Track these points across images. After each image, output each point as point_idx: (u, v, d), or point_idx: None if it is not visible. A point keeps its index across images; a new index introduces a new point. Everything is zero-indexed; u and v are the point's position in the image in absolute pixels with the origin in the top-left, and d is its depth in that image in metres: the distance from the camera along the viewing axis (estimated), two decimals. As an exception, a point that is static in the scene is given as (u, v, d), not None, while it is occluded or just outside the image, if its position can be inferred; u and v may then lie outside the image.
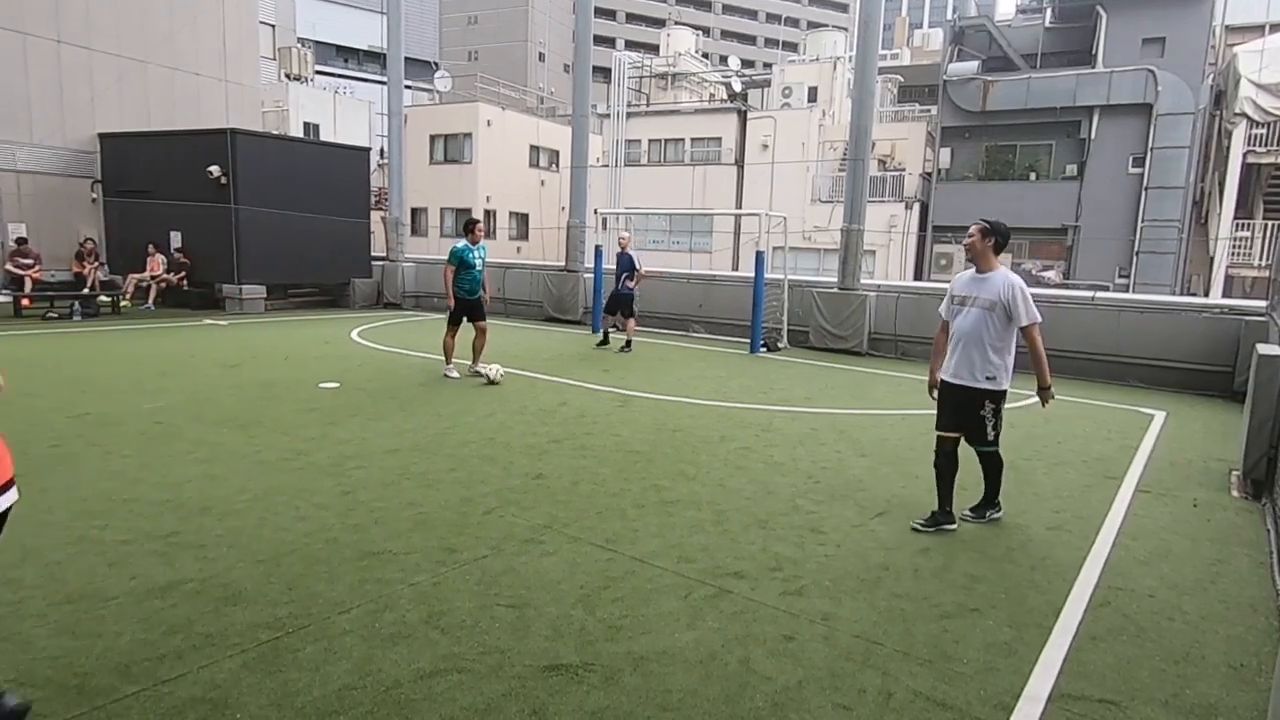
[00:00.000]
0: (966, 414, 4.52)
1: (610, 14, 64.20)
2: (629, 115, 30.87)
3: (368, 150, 20.09)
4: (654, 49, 42.58)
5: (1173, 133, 22.23)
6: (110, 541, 3.94)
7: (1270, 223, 21.40)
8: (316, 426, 6.43)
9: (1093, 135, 23.48)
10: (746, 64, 48.79)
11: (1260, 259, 21.53)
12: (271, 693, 2.72)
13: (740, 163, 28.89)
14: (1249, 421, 5.63)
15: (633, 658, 3.05)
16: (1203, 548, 4.51)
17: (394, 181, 18.41)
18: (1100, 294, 11.61)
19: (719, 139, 29.40)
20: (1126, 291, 20.59)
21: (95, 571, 3.60)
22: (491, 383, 8.63)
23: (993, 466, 4.68)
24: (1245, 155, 21.66)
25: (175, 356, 9.90)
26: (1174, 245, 22.48)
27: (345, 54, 55.29)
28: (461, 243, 9.00)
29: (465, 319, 9.14)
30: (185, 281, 15.60)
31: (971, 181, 25.24)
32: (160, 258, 15.64)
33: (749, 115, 29.44)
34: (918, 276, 25.09)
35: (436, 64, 44.52)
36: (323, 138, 29.47)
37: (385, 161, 24.47)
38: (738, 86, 33.15)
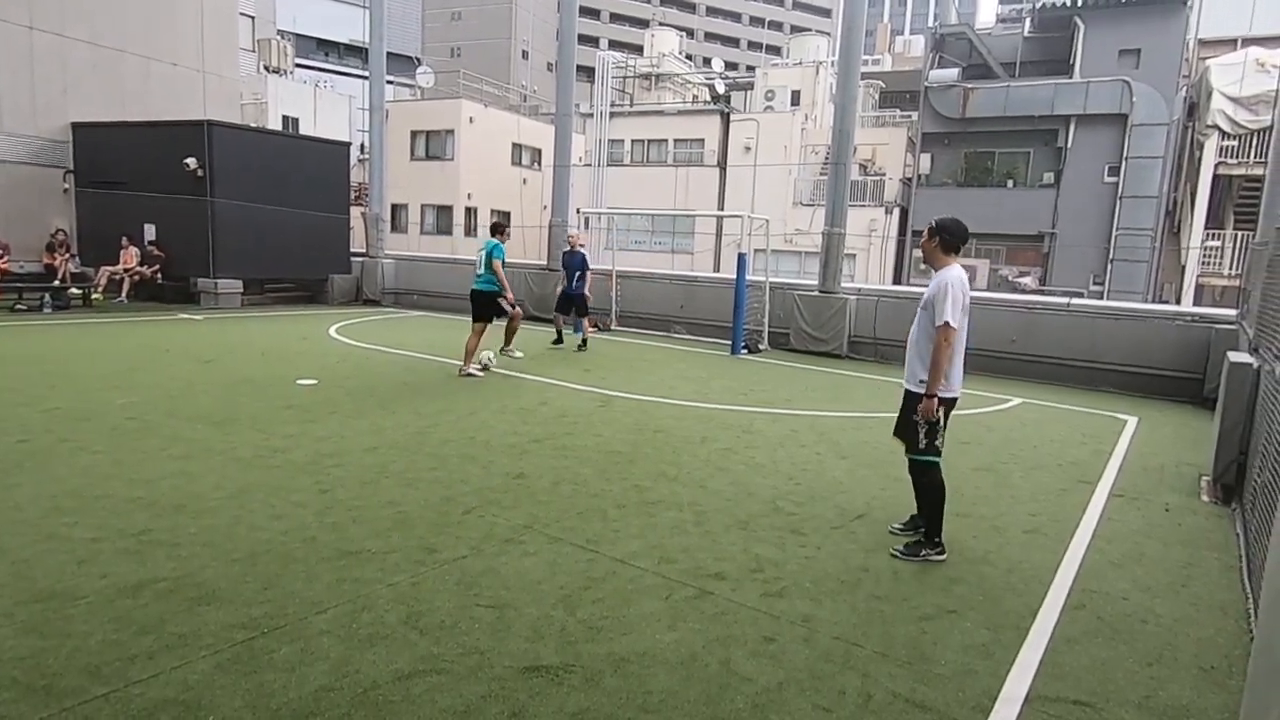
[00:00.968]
0: (905, 419, 4.22)
1: (594, 13, 64.14)
2: (612, 115, 30.85)
3: (348, 145, 19.89)
4: (638, 49, 42.57)
5: (1147, 143, 22.62)
6: (80, 539, 3.86)
7: (1240, 233, 21.83)
8: (294, 424, 6.35)
9: (1069, 144, 23.83)
10: (730, 66, 48.96)
11: (1230, 268, 21.95)
12: (246, 694, 2.67)
13: (723, 165, 28.98)
14: (1219, 427, 5.73)
15: (613, 659, 3.04)
16: (1174, 551, 4.58)
17: (375, 177, 18.25)
18: (1075, 300, 11.77)
19: (702, 140, 29.47)
20: (1101, 299, 20.91)
21: (64, 570, 3.52)
22: (485, 368, 9.24)
23: (923, 486, 4.23)
24: (1217, 166, 22.07)
25: (148, 351, 9.73)
26: (1147, 253, 22.88)
27: (326, 47, 54.70)
28: (493, 240, 9.19)
29: (492, 317, 9.21)
30: (159, 275, 15.34)
31: (951, 187, 25.50)
32: (134, 250, 15.36)
33: (732, 117, 29.54)
34: (897, 280, 25.34)
35: (419, 59, 44.20)
36: (302, 131, 29.14)
37: (366, 157, 24.25)
38: (721, 89, 33.22)
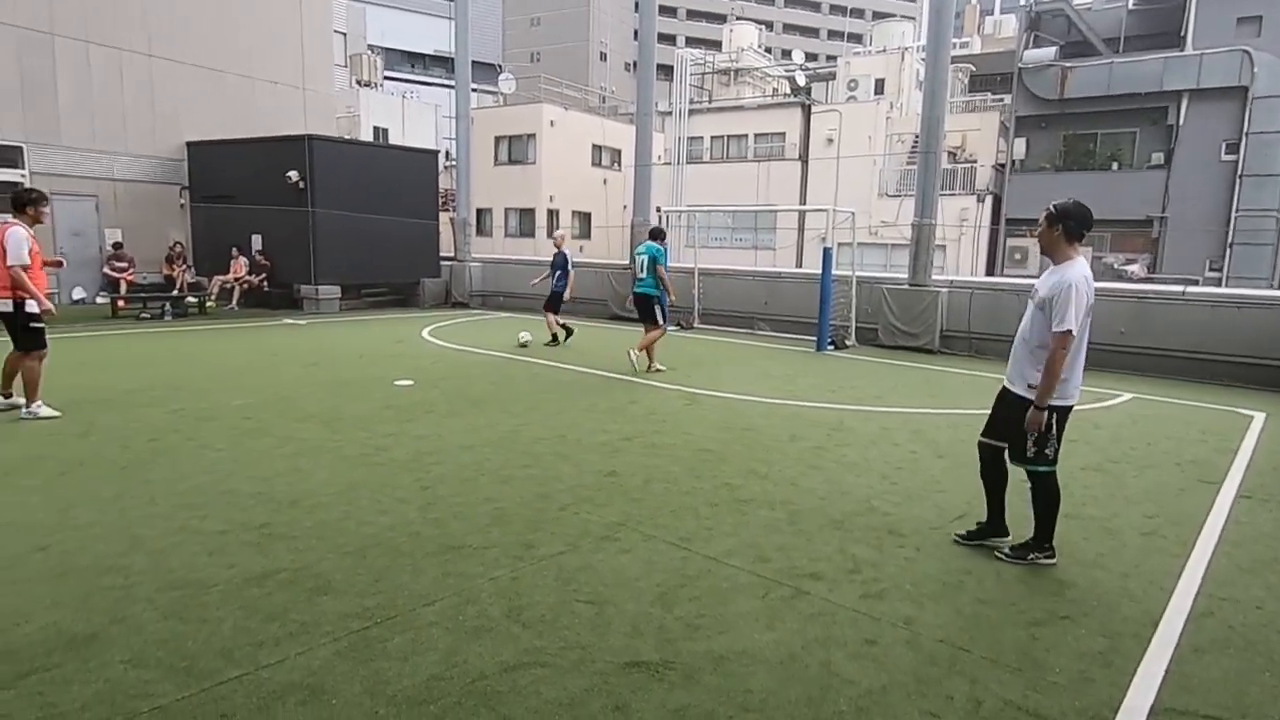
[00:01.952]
0: (1010, 424, 3.92)
1: (671, 11, 64.11)
2: (691, 112, 30.79)
3: (436, 153, 20.59)
4: (716, 45, 42.33)
5: (1271, 117, 20.97)
6: (209, 532, 4.14)
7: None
8: (394, 423, 6.62)
9: (1181, 121, 22.34)
10: (810, 57, 48.03)
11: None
12: (364, 680, 2.81)
13: (804, 158, 28.51)
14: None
15: (712, 657, 3.04)
16: (1314, 558, 4.24)
17: (461, 183, 18.80)
18: (1191, 288, 11.02)
19: (782, 134, 29.07)
20: (1219, 285, 19.50)
21: (197, 560, 3.78)
22: (522, 345, 10.19)
23: (1039, 495, 3.96)
24: (1352, 139, 20.27)
25: (258, 355, 10.33)
26: (1272, 236, 21.20)
27: (412, 59, 56.71)
28: (654, 244, 9.67)
29: (654, 317, 9.55)
30: (266, 283, 16.26)
31: (1048, 172, 24.32)
32: (243, 260, 16.33)
33: (813, 109, 29.02)
34: (990, 271, 24.32)
35: (500, 66, 45.27)
36: (392, 141, 30.33)
37: (452, 163, 25.03)
38: (801, 80, 32.67)
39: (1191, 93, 21.97)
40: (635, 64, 20.16)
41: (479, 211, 29.90)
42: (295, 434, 6.19)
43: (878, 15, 60.77)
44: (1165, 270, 22.03)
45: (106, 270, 15.84)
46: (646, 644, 3.12)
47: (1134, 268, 22.82)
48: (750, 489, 5.13)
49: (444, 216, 20.49)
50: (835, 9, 69.69)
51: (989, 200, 25.29)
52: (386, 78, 39.85)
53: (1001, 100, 27.52)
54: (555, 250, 12.30)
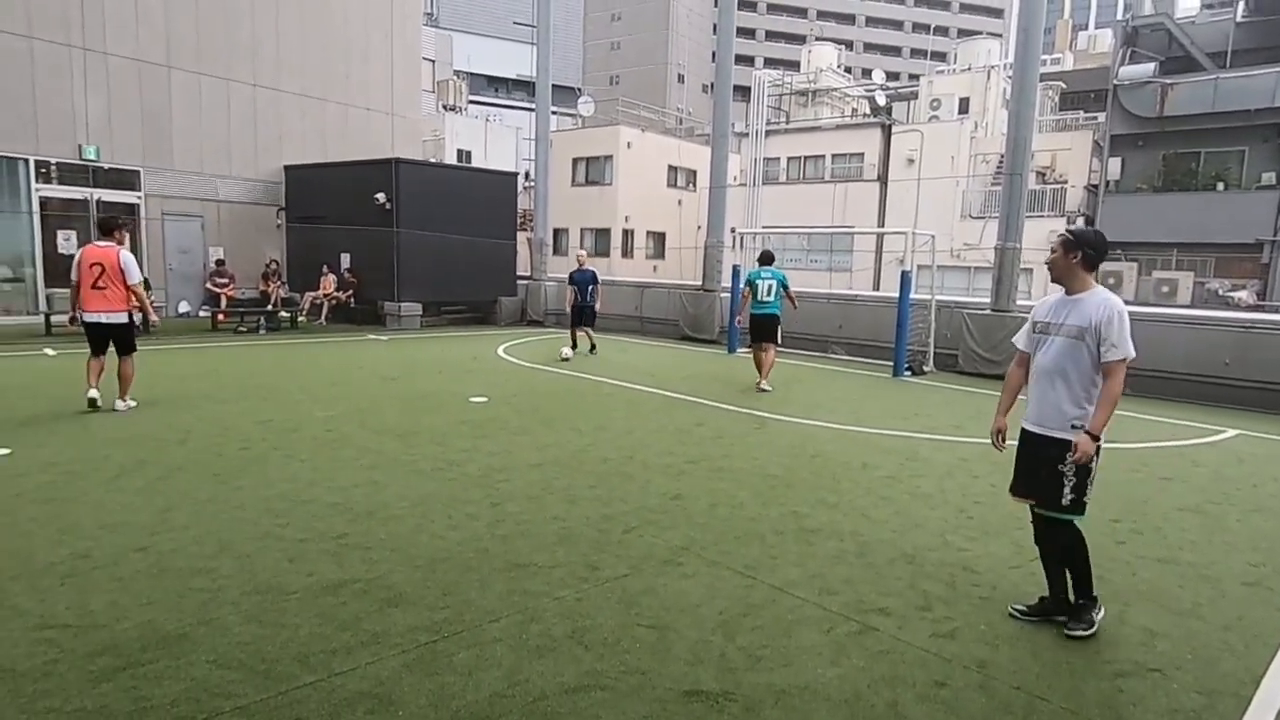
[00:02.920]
0: (1041, 468, 3.62)
1: (750, 33, 64.34)
2: (768, 133, 30.70)
3: (515, 174, 21.16)
4: (794, 66, 42.14)
5: (1399, 133, 19.43)
6: (291, 539, 4.33)
7: None
8: (468, 439, 6.79)
9: (1296, 139, 20.94)
10: (892, 76, 47.30)
11: None
12: (430, 694, 2.88)
13: (883, 178, 27.99)
14: None
15: (774, 690, 2.99)
16: None
17: (540, 204, 19.24)
18: (1306, 318, 10.27)
19: (861, 154, 28.64)
20: (1338, 314, 18.09)
21: (278, 566, 3.96)
22: (564, 360, 10.73)
23: (1068, 547, 3.61)
24: None
25: (343, 369, 10.78)
26: (1400, 262, 19.58)
27: (495, 83, 58.54)
28: (776, 270, 10.14)
29: (774, 337, 10.09)
30: (352, 299, 16.98)
31: (1146, 193, 23.17)
32: (331, 277, 17.11)
33: (894, 129, 28.51)
34: (1081, 296, 23.22)
35: (580, 89, 46.23)
36: (474, 163, 31.32)
37: (531, 184, 25.66)
38: (882, 100, 32.16)
39: (1307, 109, 20.60)
40: (713, 86, 20.28)
41: (556, 231, 30.43)
42: (373, 446, 6.42)
43: (963, 33, 59.43)
44: (1277, 298, 20.61)
45: (209, 285, 16.86)
46: (707, 673, 3.09)
47: (1241, 294, 21.41)
48: (818, 518, 5.04)
49: (521, 236, 21.01)
50: (919, 27, 68.54)
51: (1080, 222, 24.21)
52: (471, 102, 41.25)
53: (1095, 119, 26.43)
54: (578, 268, 13.02)
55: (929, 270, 13.80)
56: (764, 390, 9.81)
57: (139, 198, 16.69)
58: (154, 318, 7.79)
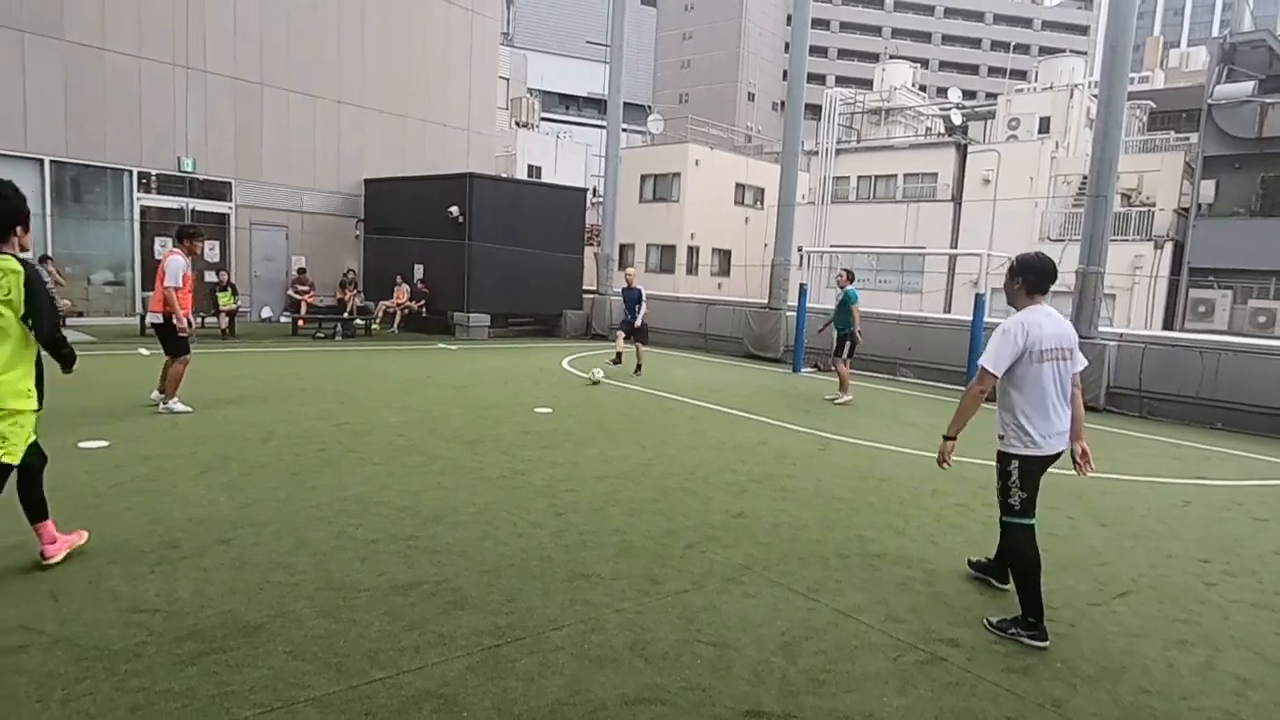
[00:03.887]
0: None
1: (822, 51, 63.95)
2: (838, 151, 30.39)
3: (584, 190, 21.48)
4: (867, 84, 41.67)
5: None
6: (363, 539, 4.47)
7: None
8: (533, 448, 6.90)
9: None
10: (968, 95, 46.24)
11: None
12: (493, 697, 2.93)
13: (958, 199, 27.34)
14: None
15: (837, 715, 2.93)
16: None
17: (607, 219, 19.47)
18: None
19: (934, 174, 28.05)
20: None
21: (351, 565, 4.10)
22: (595, 383, 10.83)
23: (1005, 549, 4.01)
24: None
25: (414, 376, 11.09)
26: None
27: (566, 101, 59.68)
28: (853, 288, 10.67)
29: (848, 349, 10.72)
30: (424, 309, 17.47)
31: (1242, 218, 22.01)
32: (405, 287, 17.66)
33: (969, 149, 27.84)
34: (1169, 325, 22.16)
35: (650, 107, 46.71)
36: (544, 179, 31.94)
37: (599, 200, 26.01)
38: (957, 119, 31.46)
39: None
40: (783, 104, 20.20)
41: (621, 247, 30.73)
42: (442, 452, 6.58)
43: (1045, 51, 57.77)
44: (1388, 331, 19.24)
45: (290, 293, 17.62)
46: (768, 693, 3.06)
47: (1347, 326, 20.07)
48: (885, 543, 4.92)
49: (588, 251, 21.28)
50: (997, 45, 66.96)
51: (1169, 247, 23.17)
52: (542, 119, 42.16)
53: (1187, 139, 25.28)
54: (626, 286, 13.02)
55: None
56: (844, 403, 10.47)
57: (230, 208, 17.59)
58: (181, 324, 7.59)
